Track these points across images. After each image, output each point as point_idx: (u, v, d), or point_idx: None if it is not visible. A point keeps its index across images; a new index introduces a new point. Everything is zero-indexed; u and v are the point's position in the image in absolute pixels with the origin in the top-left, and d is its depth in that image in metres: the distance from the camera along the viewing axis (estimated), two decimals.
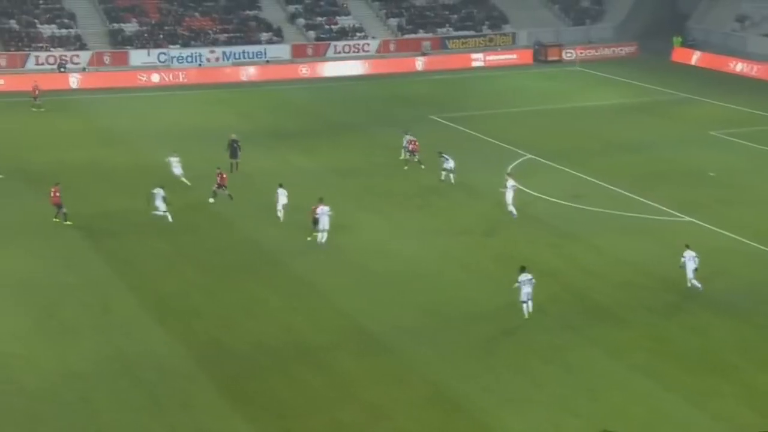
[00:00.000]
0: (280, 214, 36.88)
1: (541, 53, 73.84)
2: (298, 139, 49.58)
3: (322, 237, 34.31)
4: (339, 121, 54.83)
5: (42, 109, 55.91)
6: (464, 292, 31.12)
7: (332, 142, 49.46)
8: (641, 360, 26.40)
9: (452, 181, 41.51)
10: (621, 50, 74.46)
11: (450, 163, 41.70)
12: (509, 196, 37.38)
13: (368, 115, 55.55)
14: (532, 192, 40.47)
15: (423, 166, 43.20)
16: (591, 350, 27.02)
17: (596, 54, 73.80)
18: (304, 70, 68.61)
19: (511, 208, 37.32)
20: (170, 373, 25.87)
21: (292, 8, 75.99)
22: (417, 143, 43.92)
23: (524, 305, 28.76)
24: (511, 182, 37.79)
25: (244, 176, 42.90)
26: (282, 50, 70.88)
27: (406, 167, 43.65)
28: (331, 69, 69.55)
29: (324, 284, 31.67)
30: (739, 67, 66.70)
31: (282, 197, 36.99)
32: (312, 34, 73.61)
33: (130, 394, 24.81)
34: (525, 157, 46.32)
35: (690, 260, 30.20)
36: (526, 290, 28.60)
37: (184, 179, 41.07)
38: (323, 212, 34.21)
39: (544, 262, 33.17)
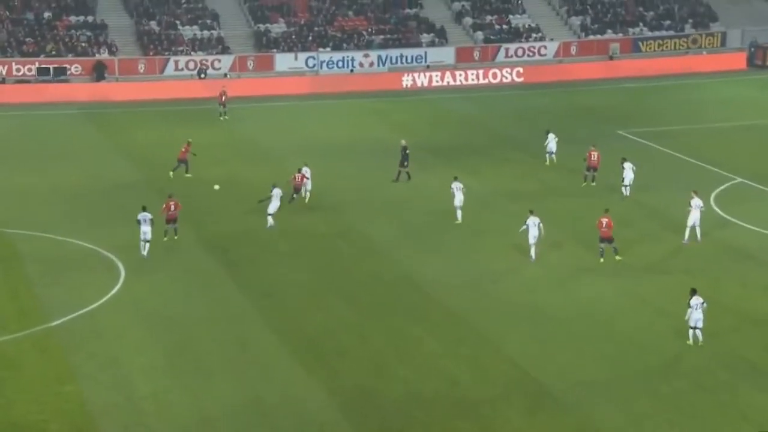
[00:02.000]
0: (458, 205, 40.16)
1: (757, 56, 71.57)
2: (460, 156, 49.72)
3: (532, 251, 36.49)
4: (508, 135, 54.75)
5: (226, 117, 58.32)
6: (657, 341, 30.32)
7: (499, 160, 49.37)
8: None
9: (626, 193, 42.40)
10: None
11: (629, 176, 42.41)
12: (694, 217, 37.37)
13: (543, 130, 55.14)
14: (742, 223, 39.15)
15: (593, 183, 43.80)
16: None
17: None
18: (470, 77, 68.91)
19: (697, 231, 37.27)
20: (311, 422, 26.30)
21: (457, 5, 76.44)
22: (598, 156, 44.13)
23: (691, 331, 29.71)
24: (697, 201, 37.46)
25: (396, 198, 43.37)
26: (445, 53, 71.45)
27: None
28: (501, 75, 69.55)
29: (489, 326, 31.52)
30: None
31: (458, 194, 40.07)
32: (480, 35, 73.82)
33: None
34: (734, 181, 44.96)
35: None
36: (696, 316, 29.59)
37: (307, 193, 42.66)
38: (534, 223, 36.15)
39: (757, 309, 32.01)
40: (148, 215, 36.85)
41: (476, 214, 41.17)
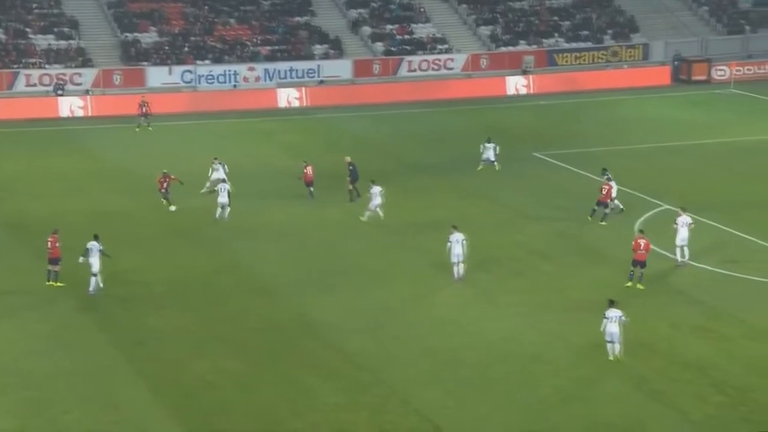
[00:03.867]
0: (373, 212, 42.91)
1: (682, 71, 73.53)
2: (360, 182, 49.84)
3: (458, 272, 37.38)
4: (413, 160, 55.06)
5: (150, 128, 60.02)
6: (579, 390, 30.67)
7: (405, 188, 49.61)
8: None
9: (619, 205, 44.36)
10: None
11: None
12: (682, 236, 38.68)
13: (451, 153, 55.61)
14: (669, 254, 40.03)
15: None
16: None
17: (759, 72, 73.19)
18: (368, 93, 69.32)
19: (685, 251, 39.01)
20: None
21: (354, 13, 76.80)
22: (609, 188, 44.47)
23: (609, 345, 31.66)
24: (684, 218, 38.86)
25: (290, 229, 43.32)
26: (341, 67, 71.72)
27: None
28: (403, 91, 70.08)
29: (394, 373, 31.50)
30: None
31: (377, 198, 42.89)
32: (379, 46, 74.30)
33: None
34: (660, 208, 45.92)
35: None
36: (611, 330, 31.58)
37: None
38: (456, 240, 36.78)
39: (689, 352, 32.74)
40: (96, 245, 36.87)
41: (380, 248, 41.22)
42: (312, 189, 47.53)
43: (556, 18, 78.24)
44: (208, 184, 48.13)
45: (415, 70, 72.44)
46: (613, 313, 31.66)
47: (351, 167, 47.45)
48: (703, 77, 73.25)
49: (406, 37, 75.13)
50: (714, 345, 33.44)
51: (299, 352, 33.02)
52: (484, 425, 28.80)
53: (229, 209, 44.43)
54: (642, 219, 44.19)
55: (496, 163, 51.95)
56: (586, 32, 77.05)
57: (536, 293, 37.26)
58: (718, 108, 66.57)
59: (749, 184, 49.87)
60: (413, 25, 76.37)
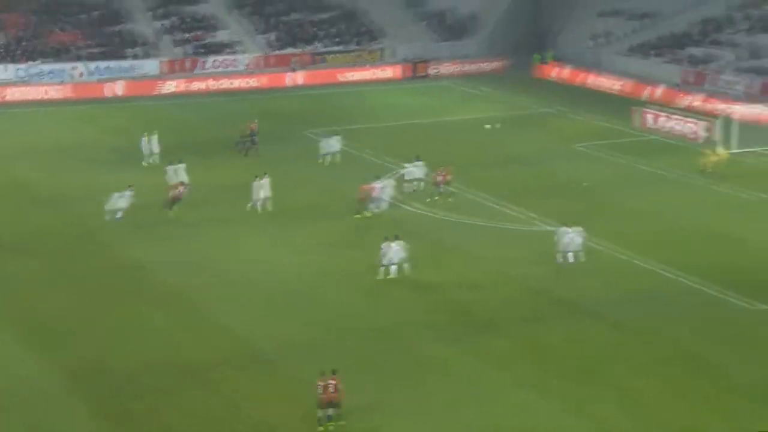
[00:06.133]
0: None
1: (412, 69, 74.96)
2: (179, 155, 48.67)
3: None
4: (212, 137, 54.21)
5: None
6: (347, 307, 31.29)
7: (207, 158, 48.85)
8: (519, 369, 27.10)
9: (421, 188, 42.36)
10: (488, 66, 76.43)
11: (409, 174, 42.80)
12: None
13: (235, 133, 54.91)
14: (407, 207, 40.99)
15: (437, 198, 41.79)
16: (473, 361, 27.58)
17: (465, 69, 75.47)
18: (173, 86, 67.83)
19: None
20: (42, 398, 24.97)
21: (162, 24, 74.93)
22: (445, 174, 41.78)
23: (383, 269, 32.36)
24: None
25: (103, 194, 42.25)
26: (151, 65, 69.90)
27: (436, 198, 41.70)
28: (202, 85, 69.00)
29: (208, 300, 31.29)
30: (597, 82, 69.46)
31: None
32: (183, 49, 72.75)
33: (1, 425, 23.83)
34: (396, 170, 46.82)
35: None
36: (398, 254, 32.36)
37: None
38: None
39: (425, 276, 33.60)
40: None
41: (197, 206, 40.52)
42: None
43: (315, 29, 78.29)
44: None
45: (209, 68, 71.27)
46: (397, 244, 32.48)
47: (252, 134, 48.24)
48: (427, 73, 74.85)
49: (203, 42, 73.79)
50: (441, 270, 34.34)
51: (132, 289, 32.27)
52: (274, 335, 29.02)
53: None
54: (388, 178, 44.88)
55: (333, 156, 47.71)
56: (339, 39, 77.46)
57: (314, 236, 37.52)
58: (437, 96, 68.33)
59: (461, 151, 50.84)
60: (211, 33, 75.05)
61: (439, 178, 42.20)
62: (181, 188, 39.92)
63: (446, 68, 74.96)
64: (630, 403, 25.25)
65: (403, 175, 43.84)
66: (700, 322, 29.90)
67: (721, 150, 45.96)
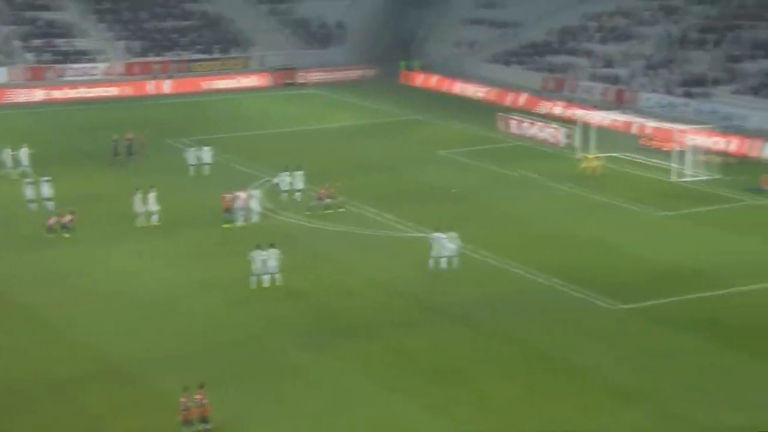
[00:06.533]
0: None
1: (278, 77, 74.73)
2: (39, 165, 47.12)
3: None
4: (71, 148, 52.70)
5: None
6: (215, 318, 30.93)
7: (67, 168, 47.44)
8: (385, 374, 27.39)
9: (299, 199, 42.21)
10: (355, 73, 77.00)
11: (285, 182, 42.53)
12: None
13: (96, 143, 53.56)
14: (273, 215, 40.83)
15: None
16: (342, 368, 27.70)
17: (333, 77, 75.86)
18: (24, 95, 65.68)
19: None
20: None
21: (6, 29, 72.12)
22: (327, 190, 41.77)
23: (267, 276, 32.55)
24: (249, 191, 37.17)
25: None
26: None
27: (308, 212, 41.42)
28: (58, 93, 66.92)
29: (71, 316, 30.57)
30: (463, 89, 70.91)
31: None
32: (33, 56, 70.23)
33: None
34: (266, 179, 46.64)
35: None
36: (272, 264, 32.45)
37: None
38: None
39: (292, 282, 33.62)
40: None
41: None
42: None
43: (176, 35, 76.99)
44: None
45: (64, 76, 69.13)
46: (269, 253, 32.59)
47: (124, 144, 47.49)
48: (294, 81, 74.81)
49: (58, 48, 71.41)
50: (313, 277, 34.37)
51: None
52: (135, 348, 28.41)
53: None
54: (254, 184, 44.65)
55: (199, 168, 47.07)
56: (200, 46, 76.42)
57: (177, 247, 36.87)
58: (305, 103, 68.42)
59: (329, 158, 51.19)
60: (63, 39, 72.67)
61: (322, 191, 42.11)
62: (69, 216, 38.18)
63: (314, 76, 75.20)
64: (491, 405, 25.81)
65: (277, 184, 43.53)
66: (563, 323, 30.84)
67: (593, 156, 47.44)
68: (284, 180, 43.37)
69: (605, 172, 47.34)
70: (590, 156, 47.32)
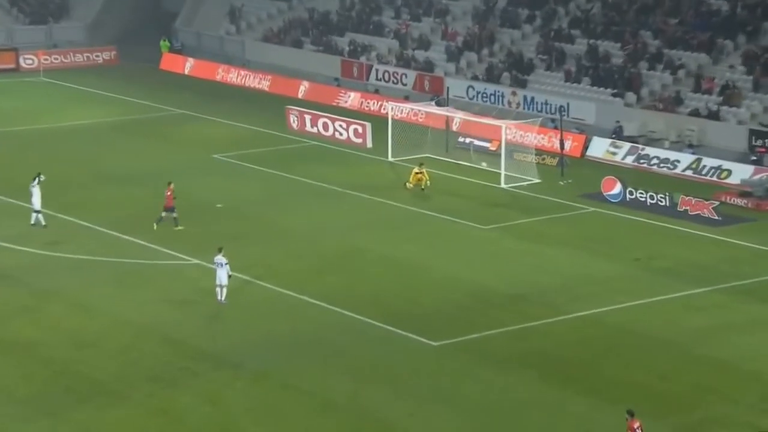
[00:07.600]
0: None
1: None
2: None
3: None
4: None
5: None
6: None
7: None
8: None
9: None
10: (97, 56, 75.49)
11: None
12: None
13: None
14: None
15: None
16: None
17: (66, 61, 73.98)
18: None
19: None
20: None
21: None
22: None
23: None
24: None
25: None
26: None
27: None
28: None
29: None
30: (237, 77, 70.59)
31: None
32: None
33: None
34: None
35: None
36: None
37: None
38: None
39: (16, 332, 32.80)
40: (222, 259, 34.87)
41: None
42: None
43: None
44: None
45: None
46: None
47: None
48: (11, 66, 72.05)
49: None
50: (40, 324, 33.56)
51: None
52: None
53: None
54: None
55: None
56: None
57: None
58: (30, 95, 66.34)
59: (64, 167, 50.06)
60: None
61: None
62: None
63: (43, 59, 72.78)
64: None
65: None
66: (366, 362, 31.21)
67: (419, 168, 48.01)
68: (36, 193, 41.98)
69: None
70: (417, 169, 47.86)
